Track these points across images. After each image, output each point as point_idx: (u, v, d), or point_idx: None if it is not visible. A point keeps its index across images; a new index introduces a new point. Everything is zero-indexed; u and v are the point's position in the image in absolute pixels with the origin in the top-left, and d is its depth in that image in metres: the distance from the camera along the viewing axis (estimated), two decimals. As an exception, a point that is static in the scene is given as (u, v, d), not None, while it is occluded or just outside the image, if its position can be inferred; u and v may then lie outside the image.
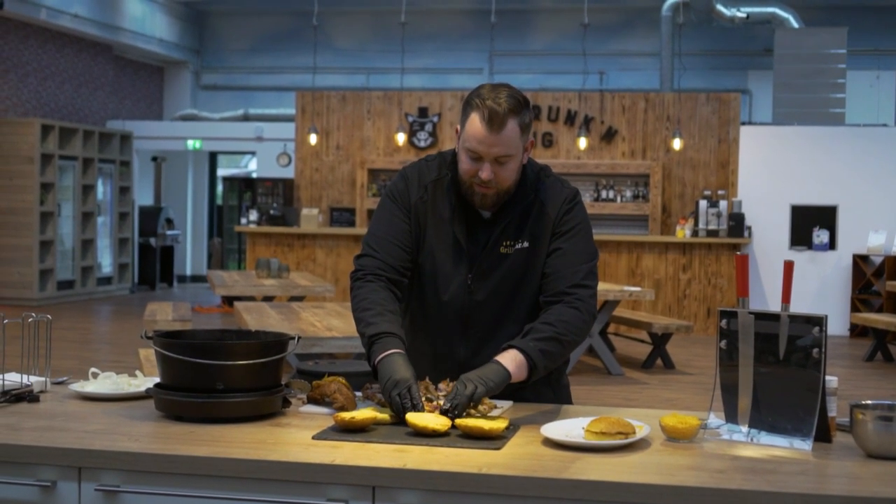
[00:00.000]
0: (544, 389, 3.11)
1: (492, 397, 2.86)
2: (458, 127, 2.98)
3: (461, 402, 2.66)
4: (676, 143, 14.09)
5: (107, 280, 17.67)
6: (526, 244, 3.00)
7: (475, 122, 2.87)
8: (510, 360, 2.81)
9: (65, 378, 3.29)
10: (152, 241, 18.88)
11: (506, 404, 2.97)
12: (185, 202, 20.67)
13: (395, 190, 3.08)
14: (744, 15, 16.19)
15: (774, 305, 12.71)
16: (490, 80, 16.88)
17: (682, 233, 13.97)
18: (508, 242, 2.99)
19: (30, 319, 3.08)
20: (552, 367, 2.94)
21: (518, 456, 2.45)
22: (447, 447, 2.50)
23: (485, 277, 3.00)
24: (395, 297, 3.00)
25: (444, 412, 2.67)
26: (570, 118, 14.82)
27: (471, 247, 3.00)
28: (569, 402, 3.18)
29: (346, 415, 2.64)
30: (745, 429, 2.67)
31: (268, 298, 11.30)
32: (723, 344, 2.73)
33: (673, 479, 2.27)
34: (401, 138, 14.80)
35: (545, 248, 3.00)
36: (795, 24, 15.82)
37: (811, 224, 14.11)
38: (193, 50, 20.56)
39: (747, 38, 18.25)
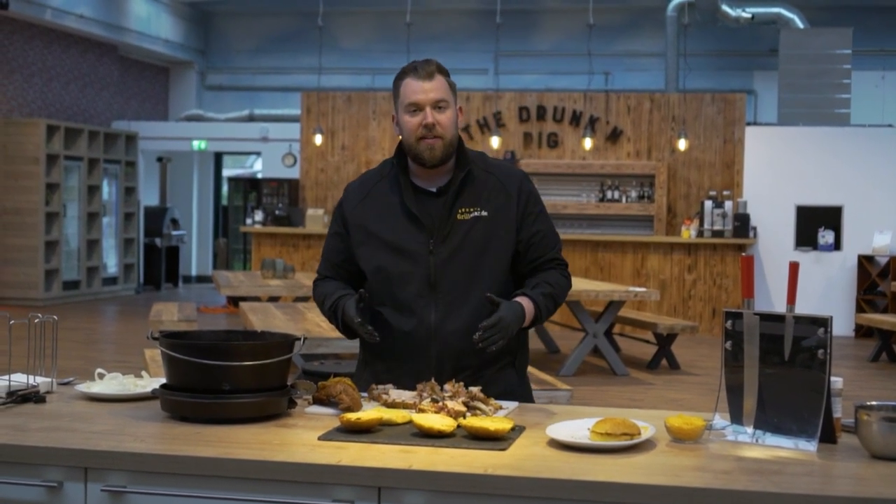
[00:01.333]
0: (509, 372, 3.24)
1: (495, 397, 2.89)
2: (395, 114, 3.20)
3: (496, 342, 2.96)
4: (682, 144, 14.08)
5: (112, 280, 17.69)
6: (484, 213, 3.16)
7: (408, 82, 3.13)
8: (527, 304, 3.09)
9: (71, 379, 3.30)
10: (158, 241, 18.89)
11: (511, 405, 2.98)
12: (191, 202, 20.68)
13: (334, 211, 3.34)
14: (749, 15, 16.18)
15: (780, 306, 12.69)
16: (496, 81, 16.86)
17: (688, 233, 13.96)
18: (464, 210, 3.16)
19: (36, 320, 3.09)
20: (543, 322, 3.22)
21: (523, 457, 2.46)
22: (453, 448, 2.51)
23: (445, 241, 3.14)
24: (346, 284, 3.28)
25: (484, 327, 2.93)
26: (576, 118, 14.82)
27: (427, 217, 3.15)
28: (530, 390, 3.34)
29: (352, 415, 2.65)
30: (750, 430, 2.68)
31: (273, 299, 11.32)
32: (728, 345, 2.73)
33: (678, 480, 2.27)
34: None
35: (511, 225, 3.18)
36: (801, 25, 15.79)
37: (816, 224, 14.10)
38: (199, 50, 20.57)
39: (752, 38, 18.23)
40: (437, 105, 3.10)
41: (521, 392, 3.22)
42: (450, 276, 3.13)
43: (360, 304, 3.08)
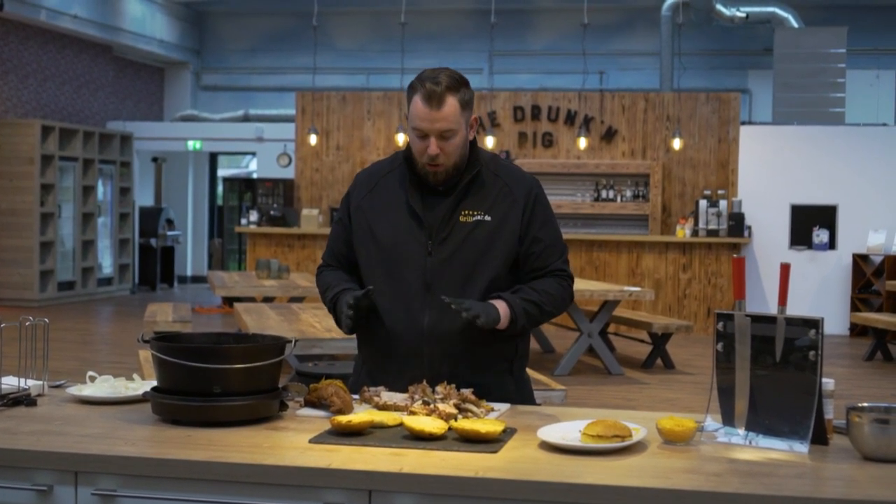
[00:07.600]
0: (507, 379, 3.20)
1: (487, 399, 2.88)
2: (407, 114, 3.15)
3: (469, 316, 2.93)
4: (676, 143, 14.08)
5: (107, 281, 17.67)
6: (487, 218, 3.12)
7: (417, 102, 3.07)
8: (502, 307, 3.04)
9: (62, 381, 3.29)
10: (153, 241, 18.87)
11: (503, 407, 2.97)
12: (186, 203, 20.66)
13: (342, 200, 3.32)
14: (743, 15, 16.19)
15: (774, 304, 12.62)
16: (490, 80, 16.87)
17: (682, 232, 13.96)
18: (467, 212, 3.13)
19: (27, 323, 3.08)
20: (527, 329, 3.18)
21: (515, 459, 2.45)
22: (444, 451, 2.50)
23: (444, 242, 3.11)
24: (349, 275, 3.27)
25: (456, 306, 2.94)
26: (570, 118, 14.82)
27: (429, 216, 3.12)
28: (531, 394, 3.29)
29: (343, 418, 2.65)
30: (741, 431, 2.67)
31: (268, 299, 11.31)
32: (719, 346, 2.73)
33: (669, 483, 2.27)
34: (401, 139, 14.79)
35: (514, 230, 3.13)
36: (795, 24, 15.81)
37: (811, 223, 14.11)
38: (193, 50, 20.55)
39: (747, 37, 18.24)
40: (443, 135, 3.05)
41: (519, 399, 3.17)
42: (446, 278, 3.09)
43: (364, 300, 3.06)
